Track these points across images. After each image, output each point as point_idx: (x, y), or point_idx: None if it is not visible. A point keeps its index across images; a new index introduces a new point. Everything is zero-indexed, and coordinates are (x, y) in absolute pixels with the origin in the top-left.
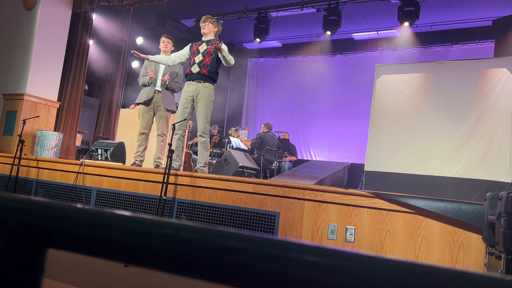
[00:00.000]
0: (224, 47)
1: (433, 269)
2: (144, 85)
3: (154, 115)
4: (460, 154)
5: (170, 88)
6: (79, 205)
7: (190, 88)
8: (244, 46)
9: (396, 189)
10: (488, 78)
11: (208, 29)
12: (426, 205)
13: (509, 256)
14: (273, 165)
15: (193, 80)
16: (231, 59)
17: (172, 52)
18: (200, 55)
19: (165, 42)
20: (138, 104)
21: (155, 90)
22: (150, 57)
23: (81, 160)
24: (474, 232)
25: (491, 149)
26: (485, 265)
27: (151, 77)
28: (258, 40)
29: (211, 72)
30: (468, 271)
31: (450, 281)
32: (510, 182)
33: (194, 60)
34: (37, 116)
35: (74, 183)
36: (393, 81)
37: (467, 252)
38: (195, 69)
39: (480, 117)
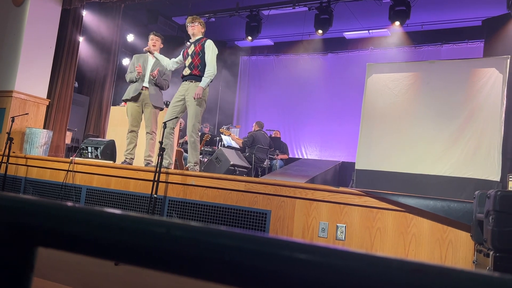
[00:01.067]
0: (199, 90)
1: (422, 266)
2: (132, 82)
3: (142, 112)
4: (450, 153)
5: (159, 85)
6: (69, 203)
7: (182, 87)
8: (236, 44)
9: (386, 187)
10: (478, 77)
11: (197, 29)
12: (415, 203)
13: (497, 253)
14: (265, 164)
15: (185, 80)
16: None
17: (161, 50)
18: (189, 57)
19: (153, 40)
20: (125, 100)
21: (143, 86)
22: (156, 54)
23: (71, 158)
24: (463, 230)
25: (480, 148)
26: (474, 262)
27: (139, 73)
28: (249, 38)
29: (202, 71)
30: (457, 268)
31: (439, 278)
32: (499, 180)
33: (185, 64)
34: (26, 114)
35: (64, 181)
36: (384, 80)
37: (456, 250)
38: (186, 71)
39: (469, 116)
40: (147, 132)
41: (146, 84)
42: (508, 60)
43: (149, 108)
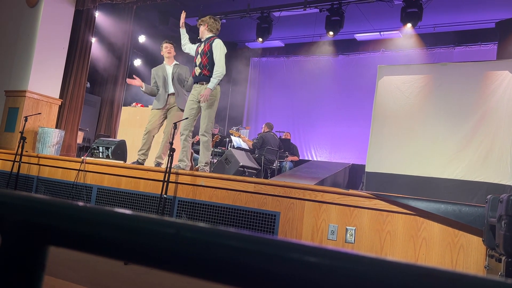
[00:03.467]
0: (207, 92)
1: (433, 271)
2: (153, 94)
3: (165, 117)
4: (462, 156)
5: (185, 89)
6: (79, 203)
7: (195, 90)
8: (246, 46)
9: (397, 190)
10: (490, 80)
11: (201, 31)
12: (426, 207)
13: (510, 259)
14: (274, 165)
15: (197, 83)
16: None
17: (175, 56)
18: (199, 56)
19: (167, 48)
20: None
21: (169, 94)
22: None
23: (82, 157)
24: (474, 235)
25: (492, 151)
26: (485, 267)
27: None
28: (260, 39)
29: (211, 71)
30: (468, 273)
31: (450, 283)
32: (511, 185)
33: (195, 62)
34: (39, 113)
35: (75, 181)
36: (395, 82)
37: (467, 254)
38: (197, 70)
39: (481, 119)
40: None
41: (170, 91)
42: None
43: (174, 112)
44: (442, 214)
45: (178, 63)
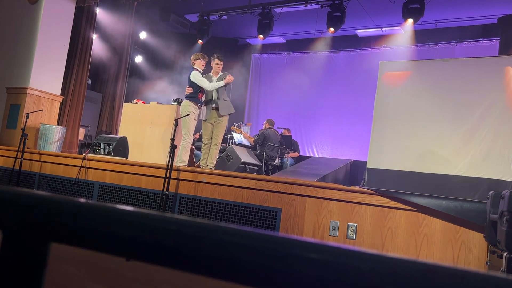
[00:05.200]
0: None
1: (434, 268)
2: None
3: (213, 127)
4: (463, 152)
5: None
6: (81, 199)
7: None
8: (248, 42)
9: (398, 186)
10: (492, 76)
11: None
12: (428, 203)
13: (511, 255)
14: (275, 162)
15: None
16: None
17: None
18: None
19: (218, 65)
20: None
21: (213, 107)
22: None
23: (84, 154)
24: (476, 231)
25: (494, 147)
26: (487, 263)
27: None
28: (261, 36)
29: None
30: (470, 269)
31: (452, 280)
32: None
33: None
34: (40, 110)
35: (77, 177)
36: (397, 78)
37: (468, 251)
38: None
39: (483, 115)
40: (214, 144)
41: (214, 103)
42: None
43: (217, 121)
44: (444, 211)
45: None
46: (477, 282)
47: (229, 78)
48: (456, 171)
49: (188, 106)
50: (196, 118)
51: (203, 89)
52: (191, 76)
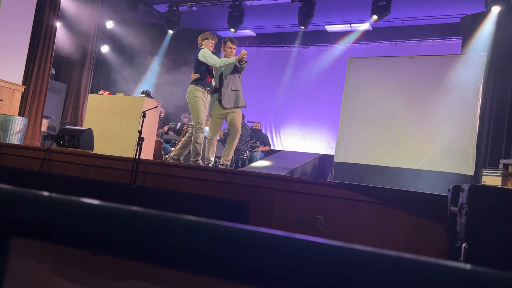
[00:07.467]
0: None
1: (398, 259)
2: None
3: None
4: (426, 147)
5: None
6: (44, 193)
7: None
8: (218, 34)
9: (364, 180)
10: (455, 73)
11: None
12: (392, 196)
13: (469, 245)
14: (245, 155)
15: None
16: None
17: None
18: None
19: (231, 48)
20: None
21: (217, 99)
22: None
23: (47, 146)
24: (437, 223)
25: (456, 143)
26: (447, 254)
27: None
28: (233, 30)
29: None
30: (431, 259)
31: (414, 269)
32: (473, 175)
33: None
34: (0, 100)
35: (40, 170)
36: (365, 74)
37: (430, 242)
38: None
39: (446, 112)
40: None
41: (218, 95)
42: (485, 57)
43: (230, 113)
44: (407, 203)
45: None
46: (437, 272)
47: (243, 52)
48: (420, 165)
49: (195, 90)
50: (207, 106)
51: (212, 72)
52: (199, 55)
